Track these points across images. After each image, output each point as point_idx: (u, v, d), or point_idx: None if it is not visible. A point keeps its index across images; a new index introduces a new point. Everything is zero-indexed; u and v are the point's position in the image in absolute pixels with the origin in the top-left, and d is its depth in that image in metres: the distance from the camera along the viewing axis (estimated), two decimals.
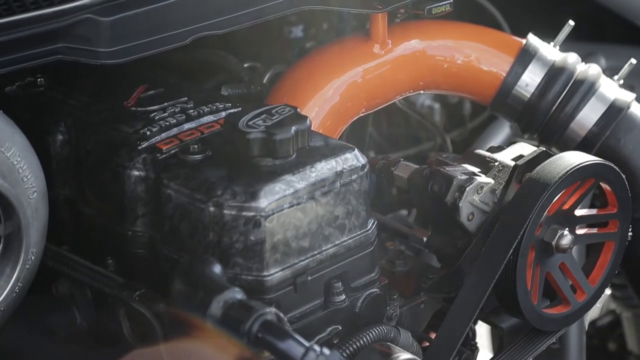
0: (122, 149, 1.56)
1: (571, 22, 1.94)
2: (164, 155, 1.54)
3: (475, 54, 1.88)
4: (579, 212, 1.69)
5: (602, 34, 2.52)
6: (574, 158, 1.67)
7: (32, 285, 1.53)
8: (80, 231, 1.63)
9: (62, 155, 1.63)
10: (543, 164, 1.66)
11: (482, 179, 1.69)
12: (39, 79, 1.71)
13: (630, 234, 1.75)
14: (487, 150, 1.77)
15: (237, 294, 1.37)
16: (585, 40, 2.35)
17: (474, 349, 1.77)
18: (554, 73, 1.88)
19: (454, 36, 1.89)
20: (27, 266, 1.49)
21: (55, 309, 1.57)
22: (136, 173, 1.54)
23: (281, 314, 1.37)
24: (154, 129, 1.58)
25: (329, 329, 1.55)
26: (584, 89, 1.87)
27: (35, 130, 1.56)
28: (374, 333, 1.54)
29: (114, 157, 1.56)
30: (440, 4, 1.78)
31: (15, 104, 1.65)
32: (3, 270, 1.44)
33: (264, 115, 1.53)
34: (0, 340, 1.52)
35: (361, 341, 1.53)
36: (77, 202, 1.63)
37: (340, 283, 1.55)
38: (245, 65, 1.90)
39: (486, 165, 1.72)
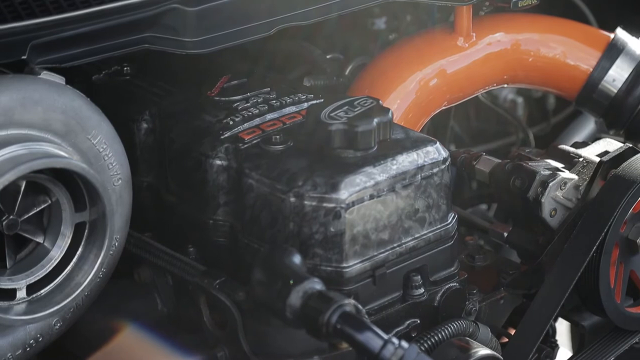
0: (205, 138, 1.57)
1: None
2: (246, 145, 1.55)
3: (561, 48, 1.86)
4: None
5: None
6: None
7: (115, 271, 1.55)
8: (163, 218, 1.65)
9: (146, 143, 1.65)
10: (629, 160, 1.64)
11: (566, 174, 1.67)
12: (125, 68, 1.73)
13: None
14: (572, 146, 1.75)
15: (317, 285, 1.37)
16: None
17: (554, 347, 1.75)
18: None
19: (539, 29, 1.86)
20: (111, 252, 1.52)
21: (137, 294, 1.60)
22: (218, 162, 1.55)
23: (360, 306, 1.36)
24: (236, 119, 1.59)
25: (407, 322, 1.54)
26: None
27: (121, 118, 1.59)
28: (452, 327, 1.54)
29: (197, 146, 1.57)
30: None
31: (102, 92, 1.67)
32: (88, 256, 1.47)
33: (346, 107, 1.53)
34: (83, 324, 1.55)
35: (439, 335, 1.52)
36: (160, 189, 1.65)
37: (419, 276, 1.54)
38: (328, 56, 1.90)
39: (570, 161, 1.70)
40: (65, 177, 1.44)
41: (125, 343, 1.49)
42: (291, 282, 1.39)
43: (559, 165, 1.69)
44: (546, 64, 1.86)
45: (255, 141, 1.56)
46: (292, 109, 1.64)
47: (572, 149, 1.73)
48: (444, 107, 1.84)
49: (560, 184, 1.66)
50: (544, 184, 1.65)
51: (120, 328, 1.52)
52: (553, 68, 1.87)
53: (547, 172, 1.66)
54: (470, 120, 2.37)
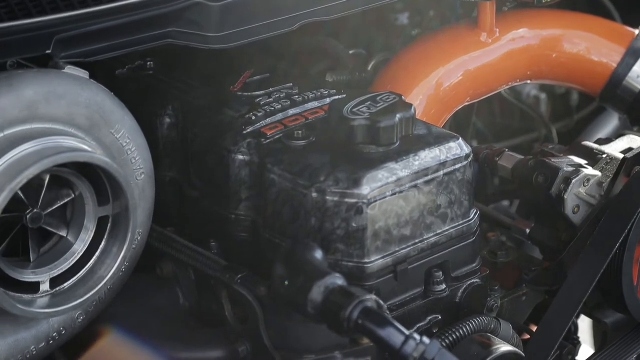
0: (228, 133, 1.58)
1: None
2: (268, 140, 1.55)
3: (585, 44, 1.85)
4: None
5: None
6: None
7: (138, 265, 1.56)
8: (185, 213, 1.65)
9: (169, 138, 1.66)
10: None
11: (589, 171, 1.66)
12: (148, 62, 1.74)
13: None
14: (595, 142, 1.74)
15: (338, 280, 1.37)
16: None
17: (576, 344, 1.74)
18: None
19: (563, 26, 1.86)
20: (134, 246, 1.52)
21: (159, 289, 1.60)
22: (241, 157, 1.56)
23: (381, 302, 1.36)
24: (259, 114, 1.60)
25: (429, 318, 1.54)
26: None
27: (144, 113, 1.59)
28: (474, 323, 1.53)
29: (220, 141, 1.58)
30: None
31: (125, 87, 1.68)
32: (110, 250, 1.48)
33: (369, 103, 1.53)
34: (106, 318, 1.56)
35: (461, 331, 1.52)
36: (182, 184, 1.66)
37: (441, 272, 1.54)
38: (351, 52, 1.90)
39: (593, 158, 1.69)
40: (89, 171, 1.45)
41: (109, 349, 1.50)
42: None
43: (583, 161, 1.69)
44: (570, 60, 1.85)
45: (277, 136, 1.56)
46: (315, 104, 1.64)
47: (595, 146, 1.72)
48: (466, 103, 1.84)
49: (583, 180, 1.65)
50: (567, 181, 1.65)
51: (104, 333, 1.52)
52: (577, 64, 1.86)
53: (571, 169, 1.66)
54: (493, 116, 2.36)
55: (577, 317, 1.71)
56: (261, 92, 1.65)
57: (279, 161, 1.52)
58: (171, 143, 1.66)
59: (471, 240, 1.57)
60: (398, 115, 1.51)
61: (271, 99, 1.63)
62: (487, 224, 1.84)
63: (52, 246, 1.48)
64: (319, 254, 1.41)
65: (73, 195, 1.46)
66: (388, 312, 1.39)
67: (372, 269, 1.48)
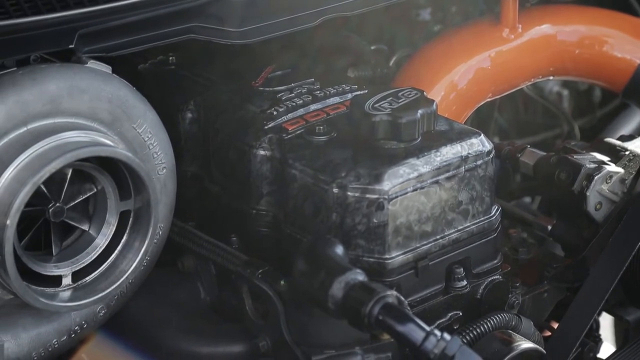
0: (249, 128, 1.58)
1: None
2: (289, 136, 1.56)
3: (609, 40, 1.84)
4: None
5: None
6: None
7: (159, 259, 1.56)
8: (206, 208, 1.66)
9: (191, 133, 1.66)
10: None
11: (612, 168, 1.65)
12: (170, 57, 1.74)
13: None
14: (618, 139, 1.73)
15: (359, 276, 1.37)
16: None
17: (597, 341, 1.74)
18: None
19: (586, 21, 1.85)
20: (155, 240, 1.53)
21: (180, 283, 1.61)
22: (262, 152, 1.56)
23: (402, 298, 1.36)
24: (280, 109, 1.60)
25: (450, 314, 1.54)
26: None
27: (166, 108, 1.60)
28: (495, 320, 1.53)
29: (241, 136, 1.58)
30: None
31: (147, 82, 1.68)
32: (132, 244, 1.48)
33: (390, 98, 1.53)
34: (127, 312, 1.56)
35: (482, 328, 1.52)
36: (203, 179, 1.66)
37: (461, 269, 1.54)
38: (372, 47, 1.90)
39: (616, 154, 1.68)
40: (111, 165, 1.45)
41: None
42: (282, 282, 1.39)
43: (605, 158, 1.68)
44: (593, 56, 1.85)
45: (299, 132, 1.56)
46: (336, 99, 1.63)
47: (618, 142, 1.71)
48: (488, 99, 1.83)
49: (605, 177, 1.65)
50: (590, 177, 1.64)
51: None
52: (600, 60, 1.85)
53: (593, 165, 1.65)
54: (514, 112, 2.35)
55: (599, 314, 1.70)
56: (283, 88, 1.65)
57: (300, 156, 1.52)
58: (193, 138, 1.66)
59: (492, 236, 1.56)
60: (420, 111, 1.50)
61: (292, 94, 1.63)
62: (509, 220, 1.84)
63: (74, 240, 1.49)
64: (339, 250, 1.40)
65: (95, 190, 1.47)
66: (409, 308, 1.38)
67: (393, 265, 1.48)
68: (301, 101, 1.62)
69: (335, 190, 1.47)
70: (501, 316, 1.54)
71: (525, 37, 1.81)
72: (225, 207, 1.62)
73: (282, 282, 1.45)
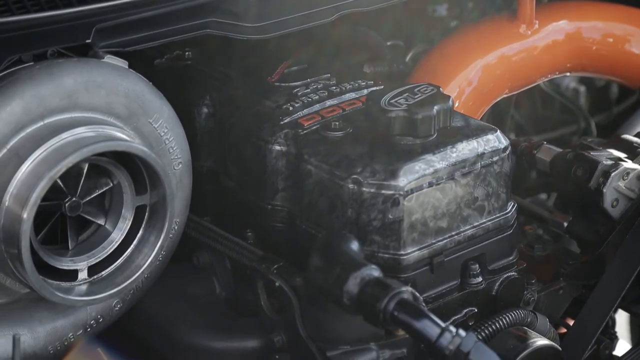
0: (265, 123, 1.58)
1: None
2: (305, 131, 1.56)
3: (626, 37, 1.83)
4: None
5: None
6: None
7: (175, 254, 1.57)
8: (222, 203, 1.66)
9: (207, 128, 1.67)
10: None
11: (629, 164, 1.65)
12: (186, 52, 1.74)
13: None
14: (635, 136, 1.72)
15: (374, 272, 1.37)
16: None
17: (613, 338, 1.73)
18: None
19: (604, 18, 1.84)
20: (171, 235, 1.53)
21: (196, 278, 1.61)
22: (278, 148, 1.56)
23: (417, 294, 1.36)
24: (296, 105, 1.60)
25: (465, 310, 1.54)
26: None
27: (182, 103, 1.60)
28: (510, 317, 1.53)
29: (257, 131, 1.58)
30: None
31: (163, 77, 1.69)
32: (148, 239, 1.48)
33: (406, 94, 1.52)
34: (143, 306, 1.57)
35: (497, 324, 1.52)
36: (219, 174, 1.66)
37: (477, 265, 1.53)
38: (388, 43, 1.90)
39: (633, 151, 1.68)
40: (127, 160, 1.45)
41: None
42: (277, 284, 1.39)
43: (622, 155, 1.67)
44: (610, 53, 1.84)
45: (314, 127, 1.56)
46: (352, 95, 1.63)
47: (635, 139, 1.71)
48: (505, 95, 1.83)
49: (622, 174, 1.64)
50: (606, 174, 1.63)
51: None
52: (617, 56, 1.84)
53: (610, 162, 1.64)
54: (531, 108, 2.35)
55: (615, 311, 1.70)
56: (298, 83, 1.65)
57: (315, 152, 1.52)
58: (208, 133, 1.67)
59: (508, 233, 1.56)
60: (436, 107, 1.50)
61: (308, 90, 1.63)
62: (524, 216, 1.83)
63: (90, 234, 1.49)
64: (355, 245, 1.40)
65: (111, 184, 1.47)
66: (424, 304, 1.38)
67: (408, 261, 1.48)
68: (317, 97, 1.62)
69: (350, 185, 1.47)
70: (516, 313, 1.54)
71: (542, 33, 1.81)
72: (240, 202, 1.62)
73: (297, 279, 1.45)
